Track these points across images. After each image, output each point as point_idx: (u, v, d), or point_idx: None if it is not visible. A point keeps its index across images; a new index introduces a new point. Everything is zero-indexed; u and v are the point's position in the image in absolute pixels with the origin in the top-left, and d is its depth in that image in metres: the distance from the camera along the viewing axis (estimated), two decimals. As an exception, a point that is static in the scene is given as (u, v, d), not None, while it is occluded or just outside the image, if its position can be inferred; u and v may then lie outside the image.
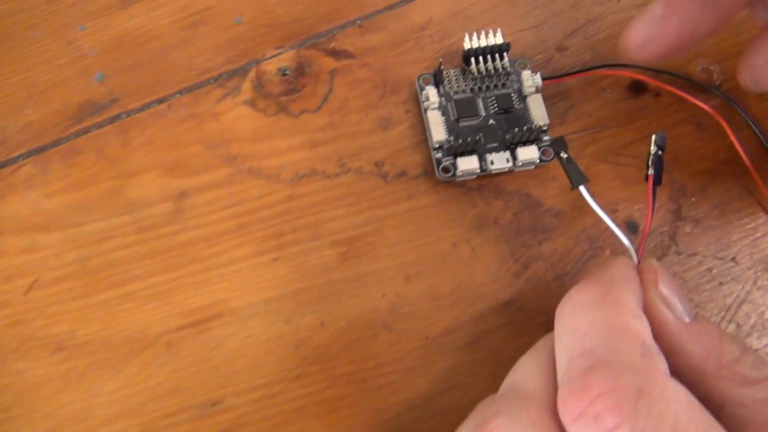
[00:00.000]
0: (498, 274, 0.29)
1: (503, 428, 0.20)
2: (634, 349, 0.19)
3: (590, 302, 0.21)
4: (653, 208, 0.25)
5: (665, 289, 0.22)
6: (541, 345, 0.23)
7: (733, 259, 0.29)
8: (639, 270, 0.23)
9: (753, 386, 0.21)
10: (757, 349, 0.28)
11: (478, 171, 0.29)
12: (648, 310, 0.22)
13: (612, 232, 0.29)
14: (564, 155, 0.26)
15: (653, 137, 0.25)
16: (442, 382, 0.27)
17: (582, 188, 0.25)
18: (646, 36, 0.25)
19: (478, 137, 0.29)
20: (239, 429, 0.27)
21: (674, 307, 0.22)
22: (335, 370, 0.27)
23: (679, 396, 0.18)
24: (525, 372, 0.22)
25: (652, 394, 0.18)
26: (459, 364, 0.28)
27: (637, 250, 0.24)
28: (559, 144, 0.26)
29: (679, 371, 0.22)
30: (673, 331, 0.22)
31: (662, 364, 0.20)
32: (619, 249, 0.29)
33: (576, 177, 0.25)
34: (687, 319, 0.22)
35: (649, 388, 0.18)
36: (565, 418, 0.19)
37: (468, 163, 0.29)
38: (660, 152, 0.25)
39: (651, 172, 0.25)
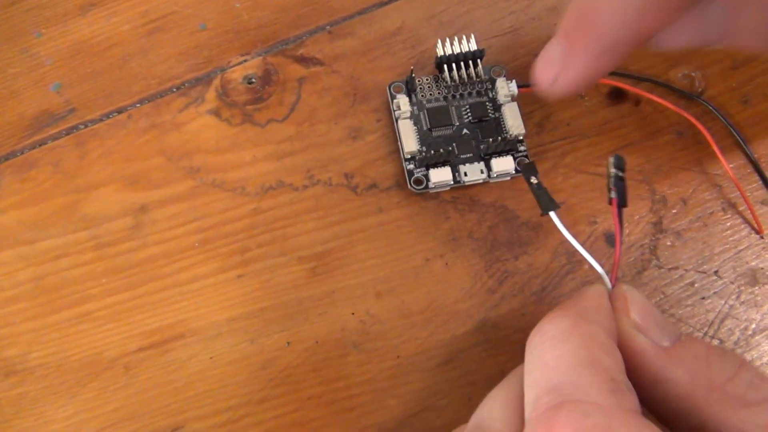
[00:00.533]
0: (472, 291, 0.28)
1: None
2: (602, 386, 0.18)
3: (559, 335, 0.20)
4: (621, 233, 0.24)
5: (638, 315, 0.21)
6: (510, 378, 0.22)
7: (716, 272, 0.28)
8: (610, 298, 0.22)
9: (751, 408, 0.19)
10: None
11: (452, 183, 0.28)
12: (622, 341, 0.21)
13: (590, 245, 0.28)
14: (534, 181, 0.25)
15: (610, 159, 0.24)
16: (415, 404, 0.26)
17: (552, 214, 0.25)
18: (553, 75, 0.24)
19: (451, 148, 0.28)
20: (201, 456, 0.25)
21: (650, 333, 0.21)
22: (303, 392, 0.26)
23: None
24: (492, 407, 0.21)
25: None
26: (432, 384, 0.26)
27: (609, 276, 0.23)
28: (529, 169, 0.25)
29: (668, 401, 0.20)
30: (652, 359, 0.21)
31: (631, 402, 0.19)
32: (597, 261, 0.28)
33: (546, 203, 0.25)
34: (666, 344, 0.21)
35: (616, 429, 0.17)
36: None
37: (441, 175, 0.28)
38: (620, 174, 0.24)
39: (614, 195, 0.24)
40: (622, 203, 0.24)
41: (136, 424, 0.26)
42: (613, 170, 0.24)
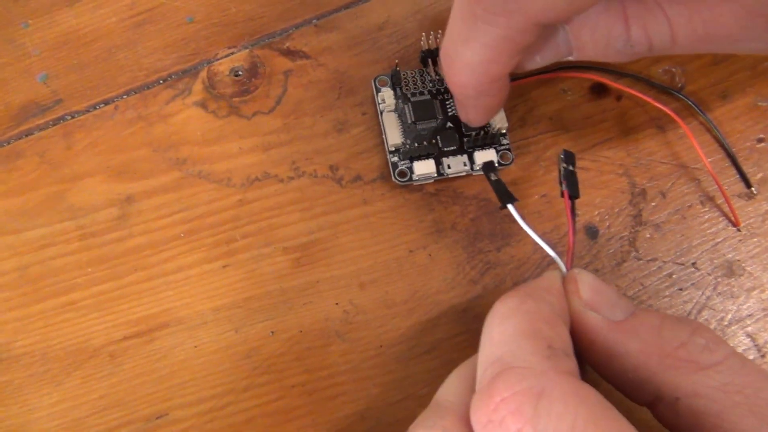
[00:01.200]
0: (455, 282, 0.28)
1: None
2: (539, 353, 0.19)
3: (506, 312, 0.21)
4: (574, 222, 0.25)
5: (588, 293, 0.22)
6: (469, 359, 0.23)
7: (694, 264, 0.29)
8: (564, 282, 0.23)
9: (706, 371, 0.20)
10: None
11: (435, 175, 0.28)
12: (574, 319, 0.22)
13: (573, 238, 0.29)
14: (494, 177, 0.26)
15: (560, 155, 0.26)
16: (397, 392, 0.27)
17: (510, 207, 0.26)
18: (464, 117, 0.28)
19: (434, 140, 0.28)
20: (185, 443, 0.26)
21: (602, 310, 0.22)
22: (286, 381, 0.26)
23: (581, 395, 0.18)
24: (449, 384, 0.22)
25: (551, 395, 0.18)
26: (414, 373, 0.27)
27: (565, 262, 0.24)
28: (488, 167, 0.27)
29: (625, 373, 0.21)
30: (606, 334, 0.21)
31: (568, 365, 0.19)
32: (578, 253, 0.29)
33: (504, 197, 0.26)
34: (619, 318, 0.22)
35: (549, 390, 0.18)
36: (476, 427, 0.19)
37: (425, 167, 0.28)
38: (570, 167, 0.26)
39: (565, 188, 0.25)
40: (573, 195, 0.25)
41: (120, 412, 0.26)
42: (563, 165, 0.26)
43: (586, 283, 0.22)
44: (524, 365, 0.19)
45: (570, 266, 0.24)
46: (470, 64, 0.24)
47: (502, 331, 0.20)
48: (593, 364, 0.22)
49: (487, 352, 0.20)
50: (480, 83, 0.25)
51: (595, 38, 0.24)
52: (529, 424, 0.17)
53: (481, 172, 0.29)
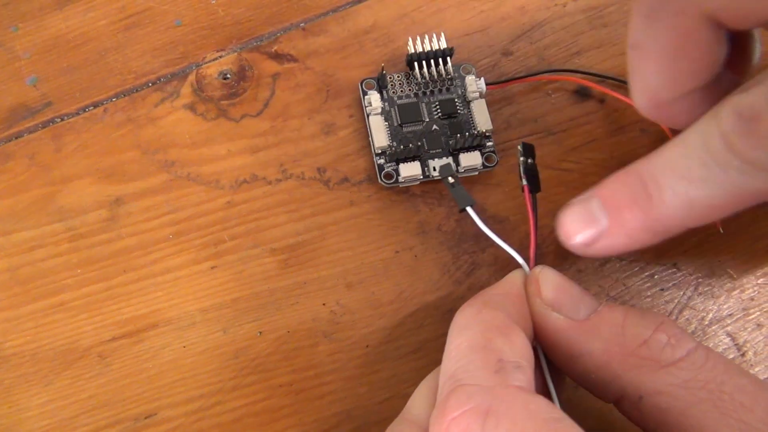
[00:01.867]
0: (440, 282, 0.28)
1: None
2: (488, 368, 0.19)
3: (463, 323, 0.21)
4: (536, 217, 0.25)
5: (550, 293, 0.22)
6: (436, 370, 0.23)
7: (675, 265, 0.29)
8: (526, 282, 0.23)
9: (668, 369, 0.20)
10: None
11: (421, 177, 0.29)
12: (536, 321, 0.22)
13: (555, 239, 0.29)
14: (451, 180, 0.27)
15: (519, 148, 0.26)
16: (383, 391, 0.27)
17: (469, 209, 0.26)
18: (591, 239, 0.23)
19: (420, 143, 0.29)
20: (174, 442, 0.26)
21: (564, 309, 0.22)
22: (274, 380, 0.27)
23: (529, 409, 0.18)
24: (416, 396, 0.22)
25: (498, 412, 0.18)
26: (400, 372, 0.27)
27: (528, 262, 0.24)
28: (445, 171, 0.27)
29: (588, 373, 0.21)
30: (568, 334, 0.21)
31: (517, 379, 0.19)
32: (563, 254, 0.29)
33: (462, 200, 0.26)
34: (582, 317, 0.22)
35: (496, 408, 0.18)
36: None
37: (410, 170, 0.28)
38: (530, 160, 0.25)
39: (525, 182, 0.25)
40: (534, 189, 0.25)
41: (109, 412, 0.26)
42: (521, 158, 0.25)
43: (548, 282, 0.22)
44: (473, 382, 0.19)
45: (533, 263, 0.24)
46: (687, 204, 0.21)
47: (457, 345, 0.20)
48: (559, 364, 0.23)
49: (444, 367, 0.21)
50: (681, 225, 0.22)
51: None
52: None
53: (466, 174, 0.29)
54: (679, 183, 0.20)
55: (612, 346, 0.21)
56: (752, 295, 0.29)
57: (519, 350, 0.20)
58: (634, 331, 0.21)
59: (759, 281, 0.29)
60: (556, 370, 0.23)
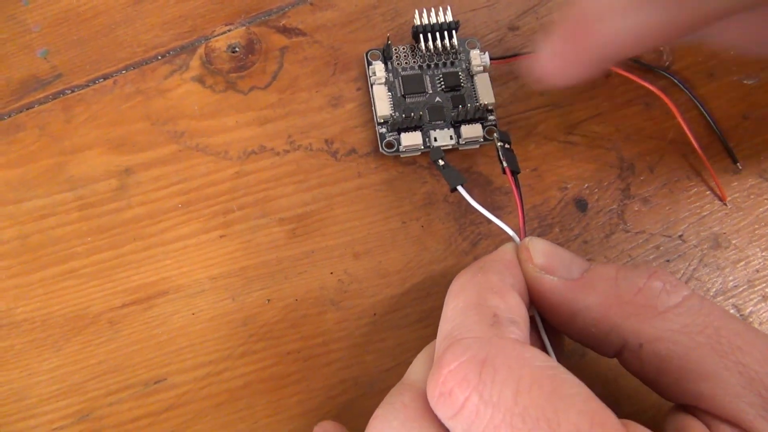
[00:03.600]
0: (447, 252, 0.29)
1: (379, 416, 0.20)
2: (484, 322, 0.19)
3: (458, 288, 0.22)
4: (520, 194, 0.26)
5: (542, 258, 0.23)
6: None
7: (680, 236, 0.29)
8: (517, 252, 0.23)
9: (665, 315, 0.20)
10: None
11: (422, 147, 0.29)
12: (531, 285, 0.22)
13: (561, 210, 0.29)
14: (441, 162, 0.27)
15: (495, 135, 0.27)
16: (390, 359, 0.27)
17: (460, 188, 0.26)
18: (551, 70, 0.25)
19: (422, 114, 0.29)
20: (183, 407, 0.26)
21: (557, 272, 0.22)
22: (282, 347, 0.27)
23: (524, 358, 0.18)
24: (415, 363, 0.22)
25: (495, 362, 0.18)
26: (406, 341, 0.27)
27: (519, 233, 0.25)
28: (436, 153, 0.28)
29: (588, 328, 0.21)
30: (564, 293, 0.22)
31: (512, 331, 0.19)
32: (567, 225, 0.29)
33: (453, 180, 0.27)
34: (575, 276, 0.22)
35: (492, 357, 0.18)
36: (431, 401, 0.19)
37: (411, 139, 0.29)
38: (507, 145, 0.27)
39: (506, 165, 0.26)
40: (514, 170, 0.26)
41: (119, 377, 0.26)
42: (499, 144, 0.27)
43: (538, 249, 0.23)
44: (469, 336, 0.19)
45: (523, 236, 0.25)
46: (616, 32, 0.22)
47: (454, 307, 0.21)
48: (559, 326, 0.23)
49: (441, 329, 0.21)
50: (619, 52, 0.23)
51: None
52: (475, 391, 0.18)
53: (467, 146, 0.29)
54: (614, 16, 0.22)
55: (608, 298, 0.21)
56: (757, 267, 0.29)
57: (514, 308, 0.21)
58: (628, 282, 0.21)
59: (764, 253, 0.29)
60: (555, 335, 0.24)
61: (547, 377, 0.18)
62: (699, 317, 0.20)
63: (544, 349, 0.23)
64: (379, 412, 0.21)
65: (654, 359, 0.20)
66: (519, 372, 0.18)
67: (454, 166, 0.27)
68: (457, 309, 0.21)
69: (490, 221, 0.29)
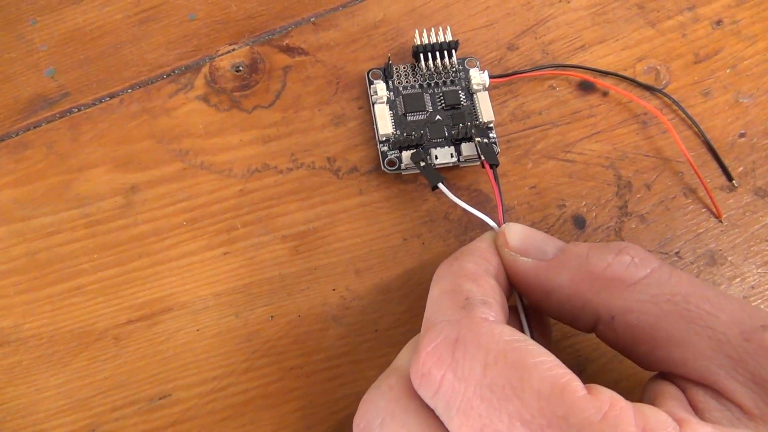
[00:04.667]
0: (447, 268, 0.29)
1: (367, 401, 0.21)
2: (456, 306, 0.21)
3: (436, 277, 0.23)
4: (498, 186, 0.27)
5: (517, 242, 0.24)
6: None
7: (677, 253, 0.30)
8: (495, 238, 0.24)
9: (635, 287, 0.21)
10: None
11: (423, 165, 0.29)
12: (507, 268, 0.23)
13: (559, 227, 0.30)
14: (422, 164, 0.28)
15: (472, 130, 0.29)
16: (391, 375, 0.28)
17: (441, 186, 0.27)
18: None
19: (423, 132, 0.29)
20: (187, 422, 0.26)
21: (531, 253, 0.23)
22: (285, 363, 0.27)
23: (493, 334, 0.19)
24: (403, 349, 0.23)
25: (465, 340, 0.19)
26: (408, 356, 0.28)
27: (497, 222, 0.26)
28: (417, 156, 0.29)
29: (563, 305, 0.22)
30: (537, 273, 0.23)
31: (483, 311, 0.20)
32: (565, 239, 0.30)
33: (433, 178, 0.28)
34: (548, 257, 0.23)
35: (463, 336, 0.19)
36: (414, 384, 0.20)
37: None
38: (485, 140, 0.28)
39: (484, 159, 0.28)
40: (493, 163, 0.27)
41: (125, 392, 0.27)
42: (477, 139, 0.28)
43: (513, 233, 0.24)
44: (443, 319, 0.20)
45: (502, 224, 0.25)
46: None
47: (432, 295, 0.22)
48: (537, 305, 0.24)
49: (424, 318, 0.22)
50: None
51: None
52: (450, 369, 0.19)
53: (468, 164, 0.30)
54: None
55: (579, 273, 0.22)
56: (753, 283, 0.29)
57: (487, 291, 0.22)
58: (598, 257, 0.22)
59: (759, 270, 0.29)
60: (541, 320, 0.25)
61: (512, 349, 0.19)
62: (667, 287, 0.21)
63: (524, 330, 0.24)
64: (366, 397, 0.22)
65: (627, 330, 0.21)
66: (487, 347, 0.19)
67: (433, 166, 0.29)
68: (433, 296, 0.22)
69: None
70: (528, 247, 0.23)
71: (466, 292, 0.21)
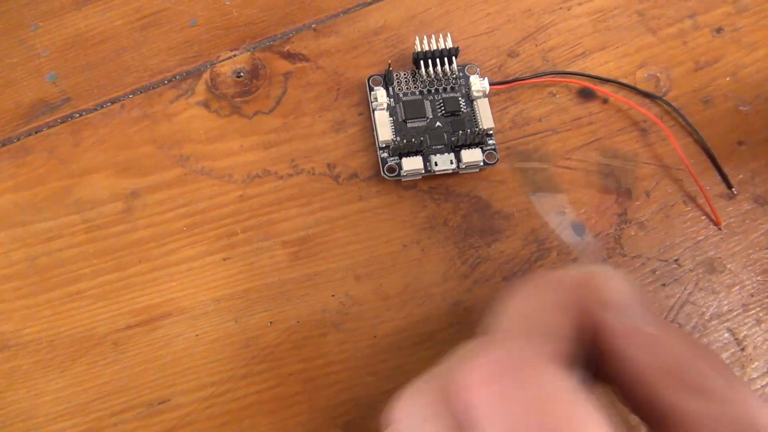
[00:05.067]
0: (447, 275, 0.29)
1: (403, 397, 0.20)
2: (522, 333, 0.20)
3: (517, 296, 0.22)
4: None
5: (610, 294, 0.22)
6: None
7: (676, 261, 0.30)
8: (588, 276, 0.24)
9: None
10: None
11: (423, 171, 0.29)
12: (592, 314, 0.22)
13: (558, 234, 0.30)
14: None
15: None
16: (390, 381, 0.28)
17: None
18: None
19: (423, 138, 0.30)
20: (186, 427, 0.27)
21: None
22: (284, 369, 0.27)
23: (548, 374, 0.18)
24: (454, 351, 0.23)
25: (517, 369, 0.18)
26: (407, 362, 0.28)
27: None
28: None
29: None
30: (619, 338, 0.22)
31: (547, 344, 0.20)
32: (565, 249, 0.30)
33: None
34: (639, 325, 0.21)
35: (517, 365, 0.18)
36: (451, 390, 0.19)
37: (412, 164, 0.29)
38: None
39: None
40: None
41: (124, 397, 0.27)
42: None
43: (610, 282, 0.22)
44: (504, 340, 0.20)
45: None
46: None
47: (504, 311, 0.21)
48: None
49: (489, 325, 0.21)
50: None
51: None
52: (491, 393, 0.18)
53: (467, 170, 0.30)
54: None
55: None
56: (752, 291, 0.29)
57: (558, 326, 0.21)
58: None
59: (758, 278, 0.29)
60: None
61: (563, 399, 0.18)
62: None
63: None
64: (404, 394, 0.21)
65: None
66: (537, 385, 0.18)
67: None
68: (505, 314, 0.21)
69: (489, 245, 0.30)
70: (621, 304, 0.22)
71: (537, 320, 0.20)
